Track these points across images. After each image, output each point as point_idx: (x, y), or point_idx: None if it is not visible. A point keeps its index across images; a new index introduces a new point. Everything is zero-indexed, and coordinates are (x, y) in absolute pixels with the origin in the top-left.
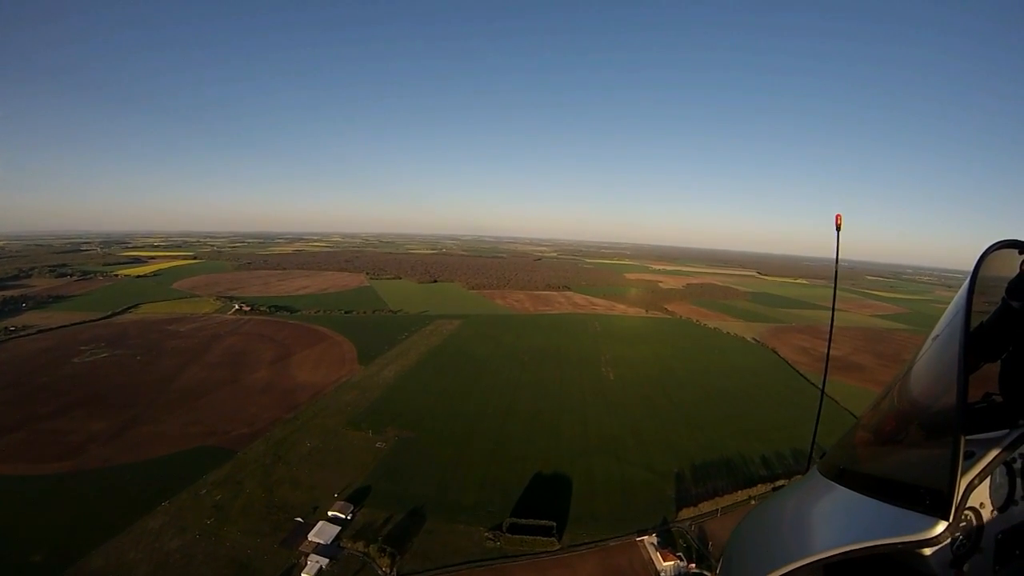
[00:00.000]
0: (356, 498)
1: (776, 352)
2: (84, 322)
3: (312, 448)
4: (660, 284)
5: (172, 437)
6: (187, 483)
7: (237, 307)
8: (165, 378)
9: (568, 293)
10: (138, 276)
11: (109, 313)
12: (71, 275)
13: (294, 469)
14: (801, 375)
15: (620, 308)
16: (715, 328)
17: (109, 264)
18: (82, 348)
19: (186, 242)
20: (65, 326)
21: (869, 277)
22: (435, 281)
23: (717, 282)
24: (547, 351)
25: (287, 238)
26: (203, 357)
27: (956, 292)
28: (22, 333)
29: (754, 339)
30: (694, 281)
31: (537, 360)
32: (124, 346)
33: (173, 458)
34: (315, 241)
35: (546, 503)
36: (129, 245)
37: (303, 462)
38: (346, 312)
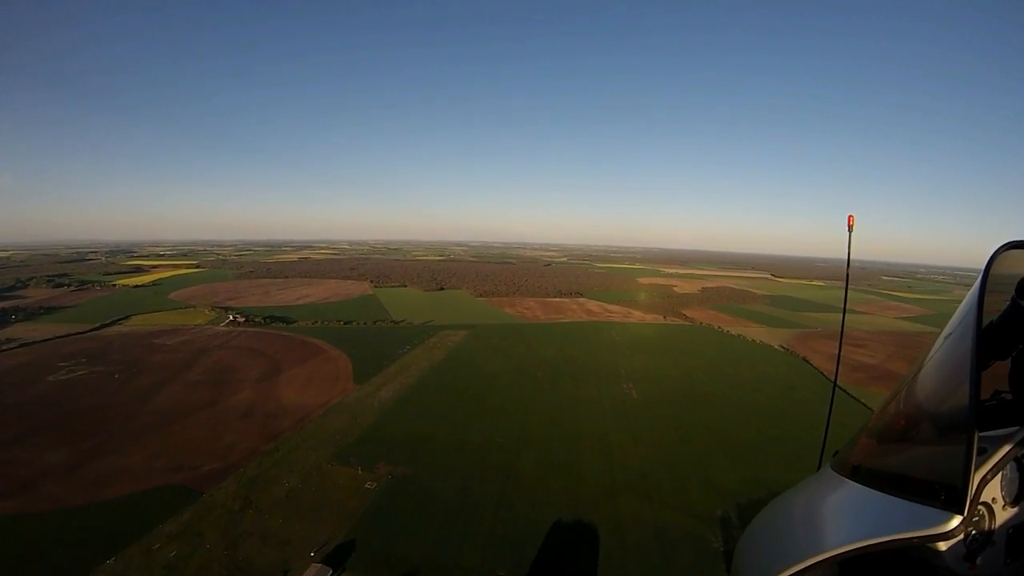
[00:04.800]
0: (336, 558)
1: (808, 361)
2: (69, 335)
3: (290, 489)
4: (674, 288)
5: (134, 472)
6: (140, 533)
7: (231, 318)
8: (140, 399)
9: (581, 299)
10: (136, 286)
11: (97, 325)
12: (68, 285)
13: (266, 517)
14: (841, 388)
15: (637, 315)
16: (738, 335)
17: (110, 273)
18: (61, 364)
19: (192, 251)
20: (48, 339)
21: (885, 277)
22: (441, 289)
23: (732, 285)
24: (562, 365)
25: (294, 246)
26: (185, 374)
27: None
28: (3, 347)
29: (781, 347)
30: (709, 284)
31: (551, 376)
32: (105, 362)
33: (130, 500)
34: (322, 248)
35: (567, 564)
36: (135, 254)
37: (277, 508)
38: (345, 323)
